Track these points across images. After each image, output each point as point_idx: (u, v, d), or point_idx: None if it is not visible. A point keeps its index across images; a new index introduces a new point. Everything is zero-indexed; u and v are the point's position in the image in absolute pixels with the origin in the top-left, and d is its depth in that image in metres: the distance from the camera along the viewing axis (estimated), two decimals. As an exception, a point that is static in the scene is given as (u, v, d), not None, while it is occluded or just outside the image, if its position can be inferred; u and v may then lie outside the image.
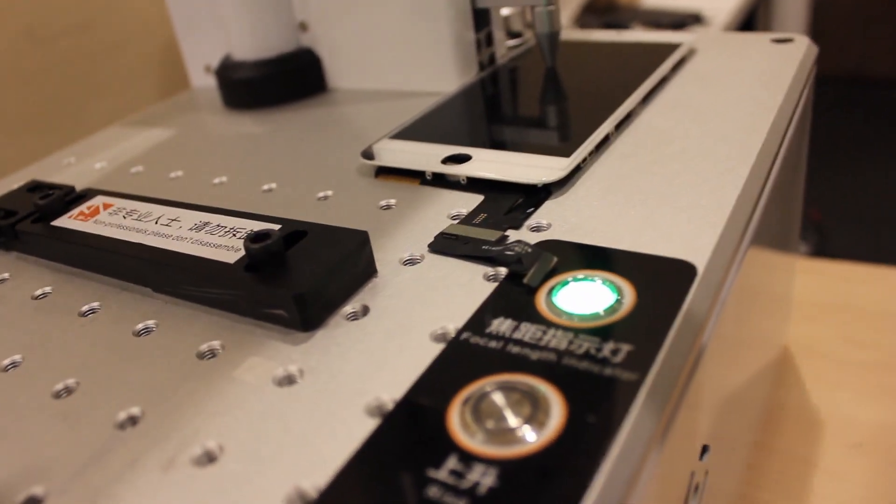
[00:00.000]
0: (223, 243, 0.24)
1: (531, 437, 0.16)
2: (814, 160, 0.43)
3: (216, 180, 0.33)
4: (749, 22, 1.24)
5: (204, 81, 0.47)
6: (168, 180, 0.34)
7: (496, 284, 0.21)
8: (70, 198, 0.30)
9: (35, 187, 0.33)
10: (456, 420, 0.17)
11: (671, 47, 0.38)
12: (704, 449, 0.22)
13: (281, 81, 0.41)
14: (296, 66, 0.41)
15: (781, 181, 0.29)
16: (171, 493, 0.17)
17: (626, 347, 0.18)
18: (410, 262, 0.24)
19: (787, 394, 0.43)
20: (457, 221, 0.25)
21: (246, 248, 0.22)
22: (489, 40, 0.40)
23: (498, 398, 0.17)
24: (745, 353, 0.28)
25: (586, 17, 1.10)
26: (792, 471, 0.38)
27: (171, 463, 0.18)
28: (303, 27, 0.42)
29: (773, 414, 0.42)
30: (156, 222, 0.27)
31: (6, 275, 0.28)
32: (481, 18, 0.39)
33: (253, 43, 0.41)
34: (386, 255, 0.24)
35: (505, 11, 0.41)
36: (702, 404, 0.21)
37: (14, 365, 0.23)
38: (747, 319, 0.27)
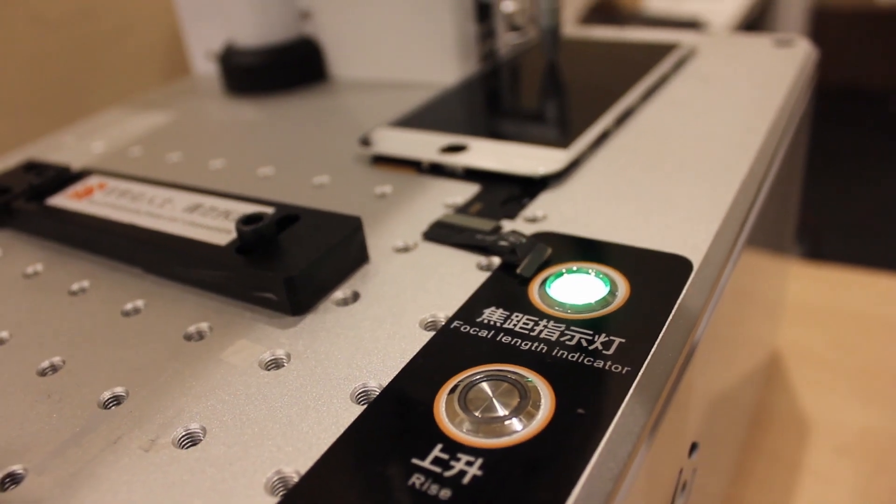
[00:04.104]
0: (215, 225, 0.24)
1: (518, 428, 0.16)
2: (808, 170, 0.43)
3: (213, 164, 0.32)
4: (749, 30, 1.24)
5: (205, 68, 0.47)
6: (165, 163, 0.33)
7: (489, 274, 0.21)
8: (65, 177, 0.30)
9: (31, 167, 0.32)
10: (443, 409, 0.16)
11: (672, 47, 0.37)
12: (693, 446, 0.22)
13: (282, 68, 0.40)
14: (297, 53, 0.41)
15: (779, 182, 0.29)
16: (152, 473, 0.16)
17: (618, 340, 0.18)
18: (403, 249, 0.23)
19: (776, 396, 0.43)
20: (452, 211, 0.25)
21: (238, 230, 0.21)
22: (490, 33, 0.40)
23: (486, 388, 0.17)
24: (737, 352, 0.28)
25: (588, 22, 1.09)
26: (778, 472, 0.38)
27: (154, 444, 0.17)
28: (305, 15, 0.42)
29: (761, 416, 0.41)
30: (149, 203, 0.26)
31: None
32: (483, 11, 0.39)
33: (255, 30, 0.41)
34: (379, 242, 0.24)
35: (509, 7, 0.41)
36: (692, 401, 0.20)
37: (0, 342, 0.22)
38: (740, 318, 0.27)
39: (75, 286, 0.25)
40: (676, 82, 0.34)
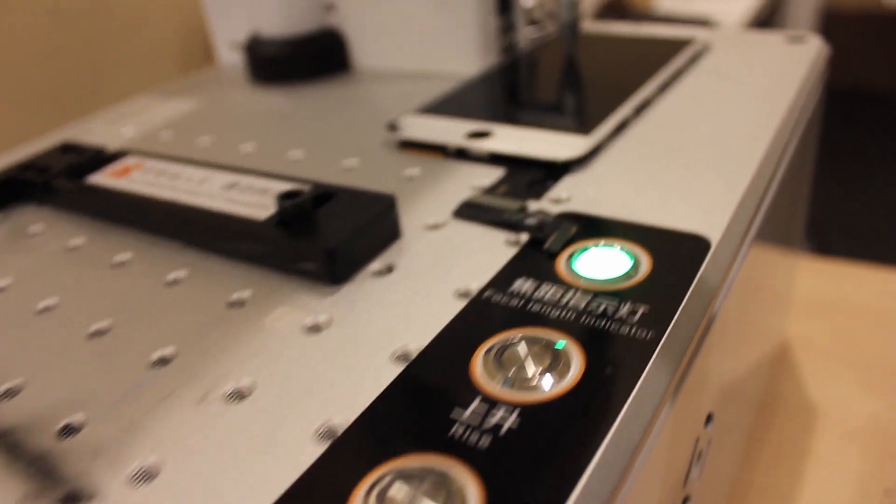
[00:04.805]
0: (253, 202, 0.25)
1: (549, 386, 0.17)
2: (817, 169, 0.44)
3: (244, 148, 0.33)
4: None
5: (229, 58, 0.48)
6: (196, 147, 0.35)
7: (517, 249, 0.22)
8: (102, 158, 0.31)
9: (67, 148, 0.34)
10: (479, 368, 0.18)
11: (687, 42, 0.38)
12: (709, 417, 0.23)
13: (307, 58, 0.42)
14: (321, 44, 0.42)
15: (790, 173, 0.30)
16: (203, 425, 0.18)
17: (641, 310, 0.19)
18: (434, 227, 0.24)
19: (785, 384, 0.44)
20: (479, 192, 0.26)
21: (278, 205, 0.23)
22: (510, 27, 0.41)
23: (520, 349, 0.18)
24: (749, 333, 0.29)
25: (600, 20, 1.11)
26: (786, 458, 0.39)
27: (204, 398, 0.18)
28: (328, 7, 0.43)
29: (770, 403, 0.42)
30: (187, 182, 0.27)
31: (40, 227, 0.29)
32: (504, 5, 0.40)
33: (281, 21, 0.42)
34: (410, 221, 0.25)
35: (528, 2, 0.42)
36: (709, 372, 0.22)
37: (48, 309, 0.24)
38: (753, 299, 0.28)
39: (117, 258, 0.26)
40: (691, 76, 0.35)
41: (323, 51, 0.42)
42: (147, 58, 0.61)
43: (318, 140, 0.33)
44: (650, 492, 0.18)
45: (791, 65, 0.35)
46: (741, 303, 0.25)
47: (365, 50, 0.43)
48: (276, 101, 0.40)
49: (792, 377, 0.44)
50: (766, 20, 1.26)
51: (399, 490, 0.14)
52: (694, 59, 0.37)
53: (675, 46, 0.38)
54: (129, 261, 0.25)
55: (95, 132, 0.39)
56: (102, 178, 0.29)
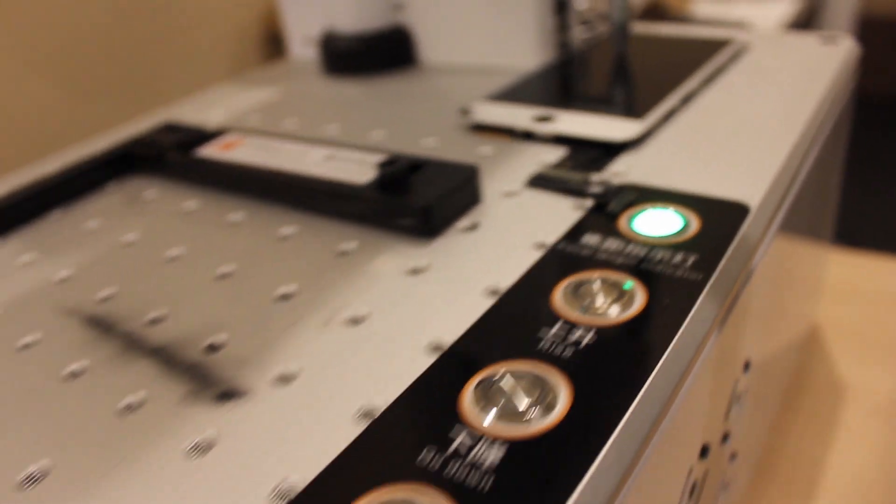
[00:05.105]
0: (351, 169, 0.29)
1: (615, 313, 0.20)
2: (848, 176, 0.47)
3: (328, 129, 0.37)
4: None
5: (300, 53, 0.53)
6: (283, 129, 0.39)
7: (584, 212, 0.26)
8: (205, 135, 0.35)
9: (170, 128, 0.38)
10: (559, 298, 0.21)
11: (726, 42, 0.42)
12: (747, 365, 0.27)
13: (378, 52, 0.46)
14: (391, 39, 0.46)
15: (820, 157, 0.33)
16: (328, 343, 0.21)
17: (692, 258, 0.23)
18: (510, 194, 0.28)
19: (815, 362, 0.47)
20: (547, 167, 0.30)
21: (379, 170, 0.26)
22: (565, 26, 0.45)
23: (594, 286, 0.22)
24: (783, 298, 0.33)
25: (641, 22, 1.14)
26: (814, 428, 0.42)
27: (328, 323, 0.22)
28: (397, 7, 0.47)
29: (800, 379, 0.46)
30: (288, 154, 0.31)
31: (154, 194, 0.33)
32: (560, 6, 0.43)
33: (354, 18, 0.46)
34: (488, 189, 0.29)
35: (582, 4, 0.46)
36: (748, 320, 0.25)
37: (176, 258, 0.28)
38: (786, 268, 0.31)
39: (231, 218, 0.30)
40: (731, 73, 0.39)
41: (392, 46, 0.46)
42: (203, 57, 0.67)
43: (396, 123, 0.37)
44: (700, 406, 0.21)
45: (824, 62, 0.38)
46: (775, 266, 0.28)
47: (431, 45, 0.47)
48: (352, 90, 0.44)
49: (822, 356, 0.48)
50: (802, 26, 1.29)
51: (506, 383, 0.18)
52: (733, 58, 0.41)
53: (716, 46, 0.41)
54: (242, 221, 0.30)
55: (185, 117, 0.43)
56: (210, 151, 0.33)
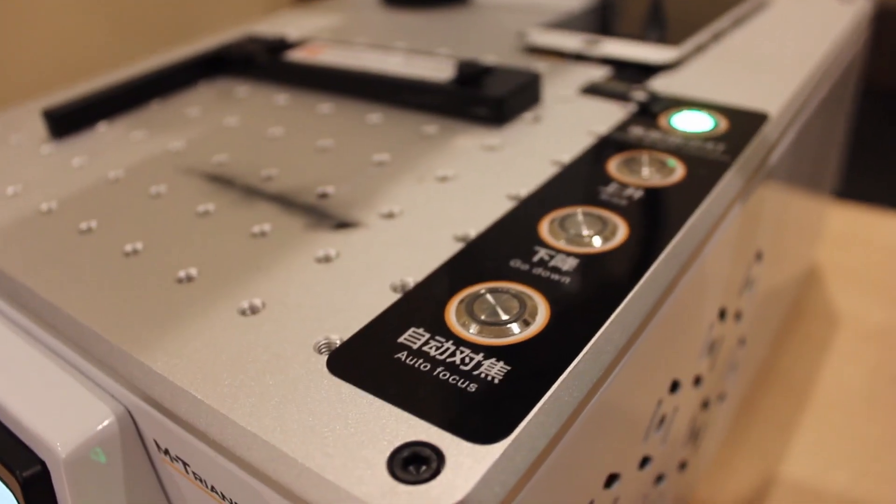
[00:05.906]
0: (428, 69, 0.33)
1: (658, 180, 0.25)
2: (860, 169, 0.50)
3: (396, 46, 0.42)
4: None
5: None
6: (355, 45, 0.43)
7: (630, 112, 0.31)
8: (288, 44, 0.40)
9: (253, 40, 0.42)
10: (614, 168, 0.26)
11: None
12: (759, 255, 0.32)
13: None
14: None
15: (832, 91, 0.38)
16: (421, 193, 0.26)
17: (722, 146, 0.27)
18: (565, 99, 0.33)
19: (813, 293, 0.52)
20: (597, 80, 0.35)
21: (458, 68, 0.31)
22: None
23: (643, 159, 0.26)
24: (792, 209, 0.37)
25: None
26: (808, 350, 0.47)
27: (421, 179, 0.27)
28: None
29: (798, 308, 0.51)
30: (369, 58, 0.36)
31: (245, 92, 0.38)
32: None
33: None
34: (546, 95, 0.33)
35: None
36: (764, 213, 0.30)
37: (275, 138, 0.32)
38: (796, 178, 0.36)
39: (320, 110, 0.34)
40: (756, 20, 0.43)
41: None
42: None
43: (457, 44, 0.42)
44: (723, 264, 0.26)
45: (840, 14, 0.43)
46: (788, 172, 0.33)
47: (483, -16, 0.51)
48: (411, 19, 0.48)
49: (819, 290, 0.53)
50: None
51: (575, 219, 0.23)
52: (759, 7, 0.45)
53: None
54: (331, 112, 0.34)
55: (259, 36, 0.47)
56: (297, 55, 0.38)
